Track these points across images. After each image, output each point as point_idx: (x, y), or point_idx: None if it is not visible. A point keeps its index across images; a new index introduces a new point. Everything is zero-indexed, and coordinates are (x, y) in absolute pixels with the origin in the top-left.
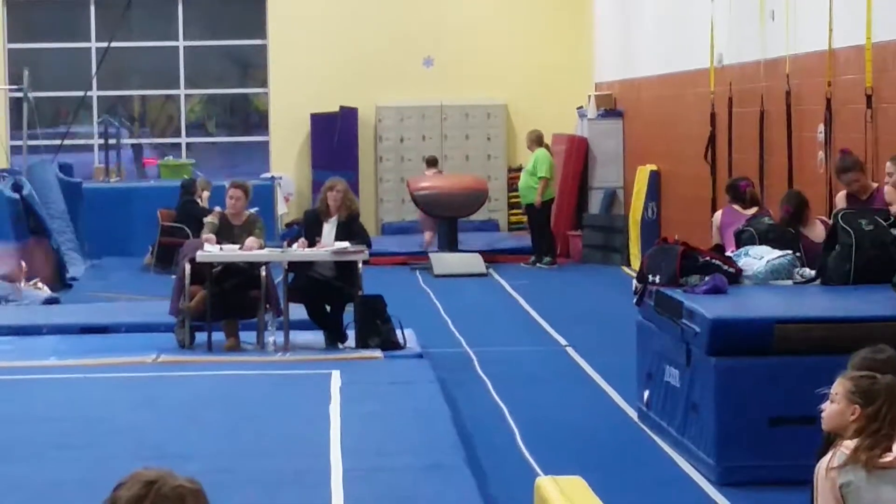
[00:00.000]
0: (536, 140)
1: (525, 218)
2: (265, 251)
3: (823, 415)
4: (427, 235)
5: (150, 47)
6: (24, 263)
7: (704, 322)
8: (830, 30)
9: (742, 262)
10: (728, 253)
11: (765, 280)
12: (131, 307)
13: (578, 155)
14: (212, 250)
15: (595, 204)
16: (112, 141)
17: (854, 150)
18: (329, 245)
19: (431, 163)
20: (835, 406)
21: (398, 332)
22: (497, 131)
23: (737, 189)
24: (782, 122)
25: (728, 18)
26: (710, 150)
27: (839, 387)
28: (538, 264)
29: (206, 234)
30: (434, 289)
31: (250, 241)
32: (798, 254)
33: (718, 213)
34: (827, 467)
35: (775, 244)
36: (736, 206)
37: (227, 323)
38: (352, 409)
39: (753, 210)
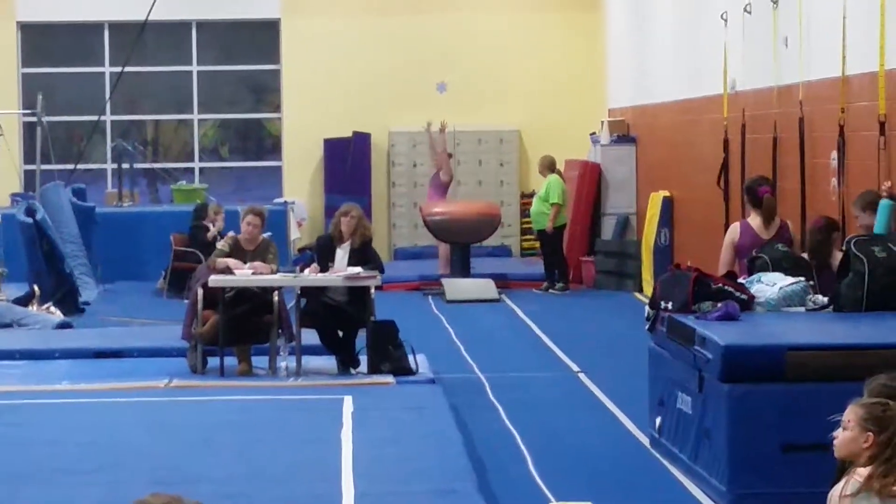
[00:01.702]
0: (549, 166)
1: (538, 244)
2: (278, 276)
3: (836, 442)
4: (442, 262)
5: (163, 72)
6: (36, 287)
7: (717, 349)
8: (844, 56)
9: (754, 289)
10: (741, 280)
11: (777, 307)
12: (144, 332)
13: (591, 181)
14: (228, 272)
15: (608, 230)
16: (125, 165)
17: (867, 177)
18: (342, 270)
19: None
20: (847, 433)
21: (410, 357)
22: (510, 157)
23: (754, 194)
24: (795, 149)
25: (741, 45)
26: (723, 176)
27: (851, 414)
28: (551, 290)
29: (219, 259)
30: (446, 314)
31: (258, 264)
32: (811, 282)
33: (736, 227)
34: (840, 495)
35: (789, 272)
36: (753, 223)
37: (239, 348)
38: (364, 434)
39: (772, 232)
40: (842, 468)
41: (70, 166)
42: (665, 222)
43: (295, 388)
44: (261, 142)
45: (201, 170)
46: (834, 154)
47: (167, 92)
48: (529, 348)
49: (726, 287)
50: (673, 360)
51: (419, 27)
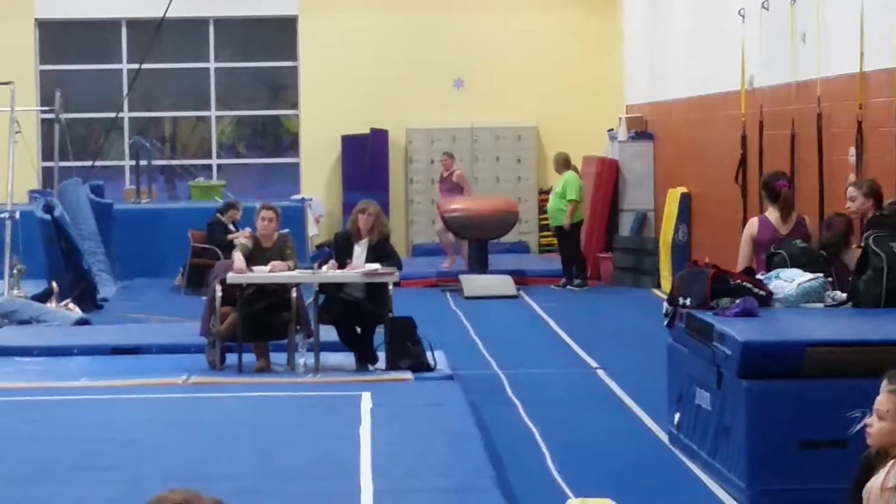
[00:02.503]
0: (564, 163)
1: (555, 240)
2: (296, 272)
3: (870, 430)
4: (448, 260)
5: (181, 69)
6: (55, 284)
7: (735, 345)
8: (861, 53)
9: (773, 285)
10: (759, 276)
11: (795, 303)
12: (162, 328)
13: (609, 177)
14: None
15: (625, 226)
16: (143, 162)
17: (885, 172)
18: (360, 267)
19: None
20: (885, 424)
21: (428, 353)
22: (528, 153)
23: (772, 188)
24: (813, 145)
25: (759, 41)
26: (740, 172)
27: (889, 403)
28: (569, 286)
29: (237, 255)
30: (464, 311)
31: (277, 264)
32: (830, 278)
33: (754, 221)
34: (882, 487)
35: (807, 268)
36: (771, 217)
37: (257, 344)
38: (382, 430)
39: (790, 227)
40: (866, 461)
41: (88, 163)
42: (683, 219)
43: (313, 385)
44: (278, 138)
45: (219, 166)
46: (852, 150)
47: (185, 89)
48: (547, 345)
49: (744, 283)
50: (691, 356)
51: (437, 24)
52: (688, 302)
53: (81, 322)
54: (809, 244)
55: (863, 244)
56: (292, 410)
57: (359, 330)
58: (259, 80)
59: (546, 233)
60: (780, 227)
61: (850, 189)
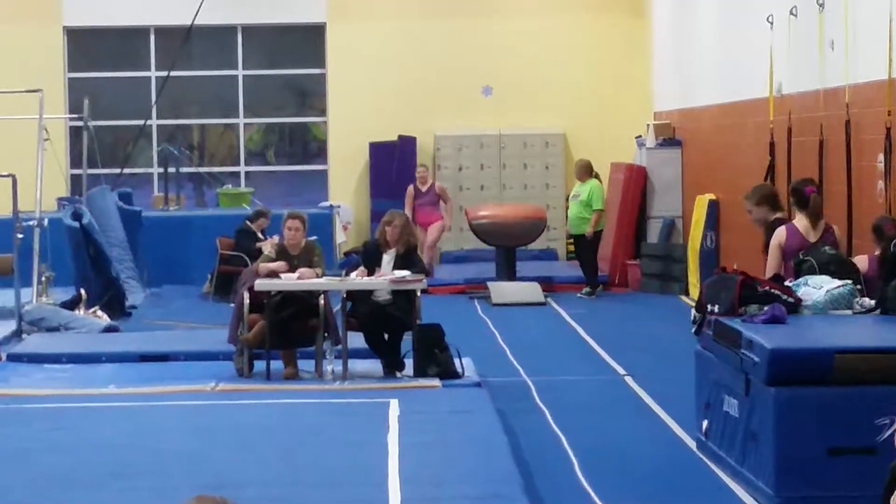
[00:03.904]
0: (587, 170)
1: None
2: (323, 280)
3: None
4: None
5: (209, 76)
6: (83, 291)
7: (764, 352)
8: (890, 59)
9: (801, 292)
10: (787, 283)
11: (824, 310)
12: (190, 335)
13: (637, 184)
14: (274, 274)
15: (653, 233)
16: (171, 170)
17: None
18: (388, 275)
19: None
20: None
21: (456, 360)
22: (555, 160)
23: (801, 194)
24: (842, 152)
25: (787, 48)
26: (769, 179)
27: None
28: (593, 294)
29: (263, 265)
30: (492, 318)
31: (305, 271)
32: (859, 286)
33: (782, 230)
34: None
35: (836, 275)
36: (799, 225)
37: (285, 352)
38: (410, 438)
39: (819, 234)
40: None
41: (116, 170)
42: (711, 225)
43: (341, 392)
44: (306, 146)
45: (247, 174)
46: (881, 156)
47: (213, 96)
48: (575, 352)
49: (773, 290)
50: (719, 363)
51: (465, 31)
52: (716, 309)
53: (110, 329)
54: (838, 252)
55: (893, 250)
56: (320, 417)
57: (386, 337)
58: (287, 87)
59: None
60: (809, 234)
61: (745, 202)
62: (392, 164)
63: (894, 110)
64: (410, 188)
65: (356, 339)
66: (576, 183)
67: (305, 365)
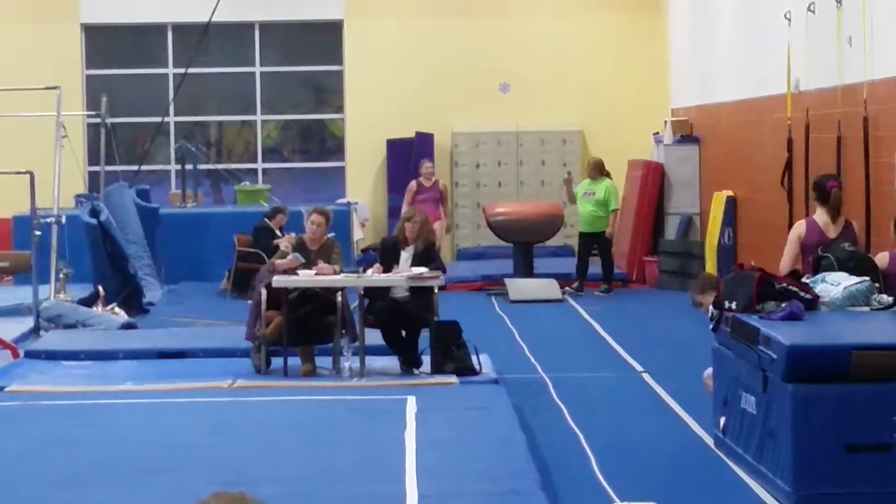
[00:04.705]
0: (600, 169)
1: (595, 246)
2: (341, 276)
3: None
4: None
5: (226, 73)
6: (101, 288)
7: (781, 349)
8: None
9: (819, 289)
10: (805, 279)
11: (842, 306)
12: (208, 332)
13: (654, 181)
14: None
15: (671, 230)
16: (189, 166)
17: None
18: (405, 271)
19: None
20: None
21: (473, 357)
22: (573, 157)
23: (822, 188)
24: (860, 148)
25: (805, 44)
26: (786, 176)
27: None
28: (606, 290)
29: (278, 261)
30: (509, 314)
31: (324, 267)
32: (877, 284)
33: (802, 223)
34: None
35: (855, 272)
36: (820, 220)
37: (302, 348)
38: (427, 434)
39: (839, 229)
40: None
41: (134, 167)
42: (728, 222)
43: (358, 389)
44: (324, 142)
45: (264, 170)
46: None
47: (230, 93)
48: (593, 348)
49: (790, 287)
50: (737, 360)
51: (482, 28)
52: (733, 305)
53: (127, 326)
54: (857, 248)
55: None
56: (337, 414)
57: (404, 334)
58: (304, 84)
59: None
60: (829, 229)
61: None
62: (409, 160)
63: None
64: (413, 183)
65: (373, 336)
66: (584, 181)
67: (323, 362)
